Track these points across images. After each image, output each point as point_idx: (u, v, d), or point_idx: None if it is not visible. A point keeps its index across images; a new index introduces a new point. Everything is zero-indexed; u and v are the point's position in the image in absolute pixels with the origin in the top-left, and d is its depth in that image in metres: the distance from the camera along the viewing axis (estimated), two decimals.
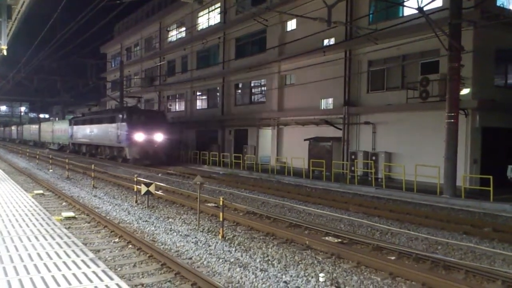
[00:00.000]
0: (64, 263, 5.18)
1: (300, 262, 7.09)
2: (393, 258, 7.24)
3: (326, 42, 22.22)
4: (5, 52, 11.25)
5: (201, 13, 34.02)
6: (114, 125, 28.40)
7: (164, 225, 9.64)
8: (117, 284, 4.47)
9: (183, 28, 36.60)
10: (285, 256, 7.42)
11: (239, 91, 30.66)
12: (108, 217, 10.30)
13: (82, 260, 5.28)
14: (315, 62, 21.54)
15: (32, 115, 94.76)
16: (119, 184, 16.74)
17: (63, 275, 4.73)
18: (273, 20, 24.91)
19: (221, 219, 8.58)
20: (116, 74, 44.83)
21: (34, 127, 58.01)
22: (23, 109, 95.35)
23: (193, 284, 5.87)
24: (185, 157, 30.59)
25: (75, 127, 37.34)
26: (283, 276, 6.30)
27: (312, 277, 6.28)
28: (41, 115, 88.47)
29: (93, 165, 17.27)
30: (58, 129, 44.58)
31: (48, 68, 40.59)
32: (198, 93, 35.18)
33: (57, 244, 6.03)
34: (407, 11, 17.55)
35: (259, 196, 14.03)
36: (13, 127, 76.30)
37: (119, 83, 38.28)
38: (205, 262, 6.97)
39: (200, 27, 34.39)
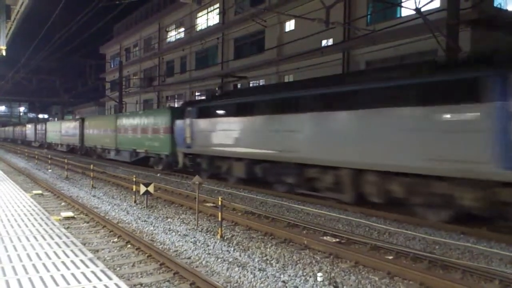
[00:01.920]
0: (63, 263, 5.20)
1: (298, 262, 7.12)
2: (391, 257, 7.27)
3: (324, 42, 22.26)
4: (4, 53, 11.28)
5: (199, 14, 34.06)
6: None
7: (163, 225, 9.66)
8: (116, 284, 4.49)
9: (182, 29, 36.64)
10: (284, 256, 7.45)
11: None
12: (107, 217, 10.32)
13: (81, 260, 5.30)
14: (314, 62, 21.57)
15: (31, 115, 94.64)
16: (118, 184, 16.75)
17: (62, 275, 4.75)
18: (271, 21, 24.95)
19: (219, 219, 8.61)
20: (115, 74, 44.83)
21: (70, 125, 38.71)
22: (22, 109, 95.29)
23: (191, 283, 5.90)
24: None
25: (206, 121, 17.66)
26: (282, 276, 6.32)
27: (310, 277, 6.31)
28: (40, 115, 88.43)
29: (92, 165, 17.27)
30: (137, 127, 24.94)
31: (47, 68, 40.71)
32: (197, 94, 35.19)
33: (56, 244, 6.05)
34: (405, 12, 17.61)
35: (257, 196, 14.04)
36: (29, 126, 56.82)
37: (118, 83, 38.26)
38: (203, 262, 7.00)
39: (198, 28, 34.43)
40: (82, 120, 35.11)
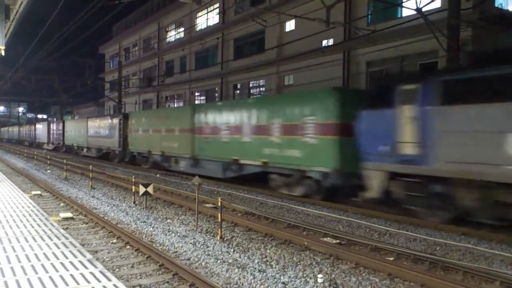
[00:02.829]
0: (62, 264, 5.16)
1: (298, 263, 7.08)
2: (391, 259, 7.24)
3: (324, 42, 22.23)
4: (3, 53, 11.22)
5: (199, 14, 34.03)
6: None
7: (162, 226, 9.63)
8: (115, 285, 4.45)
9: (182, 29, 36.61)
10: (284, 257, 7.41)
11: (238, 91, 30.65)
12: (106, 218, 10.28)
13: (80, 261, 5.26)
14: (314, 62, 21.55)
15: (30, 115, 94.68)
16: (117, 184, 16.70)
17: (61, 276, 4.71)
18: (271, 21, 24.92)
19: (219, 220, 8.57)
20: (115, 74, 44.79)
21: (103, 123, 29.83)
22: (21, 109, 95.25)
23: (191, 285, 5.86)
24: None
25: (491, 109, 8.56)
26: (282, 277, 6.29)
27: (310, 278, 6.28)
28: (39, 116, 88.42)
29: (91, 166, 17.23)
30: (243, 125, 16.05)
31: (46, 68, 40.54)
32: (196, 94, 35.17)
33: (54, 245, 6.01)
34: (406, 12, 17.58)
35: (257, 197, 14.01)
36: (40, 125, 49.74)
37: (118, 83, 38.23)
38: (203, 263, 6.96)
39: (198, 28, 34.40)
40: (125, 117, 26.67)
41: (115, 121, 27.60)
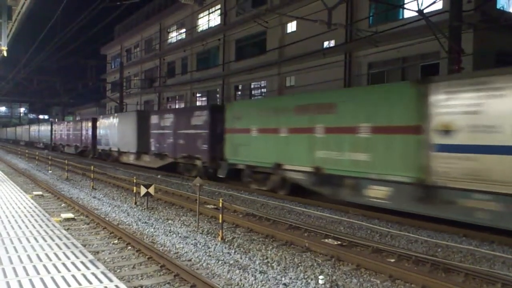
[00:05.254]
0: (63, 264, 5.17)
1: (299, 264, 7.08)
2: (392, 260, 7.24)
3: (326, 44, 22.24)
4: (5, 53, 11.25)
5: (201, 15, 34.08)
6: None
7: (163, 226, 9.63)
8: (116, 286, 4.47)
9: (183, 30, 36.67)
10: (285, 258, 7.41)
11: (239, 92, 30.68)
12: (107, 219, 10.29)
13: (82, 262, 5.28)
14: (316, 64, 21.55)
15: (31, 116, 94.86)
16: (118, 185, 16.72)
17: (62, 277, 4.72)
18: (273, 22, 24.94)
19: (220, 221, 8.58)
20: (116, 75, 44.85)
21: None
22: (22, 110, 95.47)
23: (192, 286, 5.87)
24: None
25: None
26: (283, 278, 6.29)
27: (311, 280, 6.28)
28: (41, 116, 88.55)
29: (92, 166, 17.25)
30: None
31: (48, 69, 40.66)
32: (198, 95, 35.21)
33: (56, 245, 6.02)
34: (407, 14, 17.58)
35: (258, 198, 14.01)
36: (111, 121, 28.19)
37: (119, 84, 38.27)
38: (204, 264, 6.96)
39: (200, 29, 34.44)
40: None
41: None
